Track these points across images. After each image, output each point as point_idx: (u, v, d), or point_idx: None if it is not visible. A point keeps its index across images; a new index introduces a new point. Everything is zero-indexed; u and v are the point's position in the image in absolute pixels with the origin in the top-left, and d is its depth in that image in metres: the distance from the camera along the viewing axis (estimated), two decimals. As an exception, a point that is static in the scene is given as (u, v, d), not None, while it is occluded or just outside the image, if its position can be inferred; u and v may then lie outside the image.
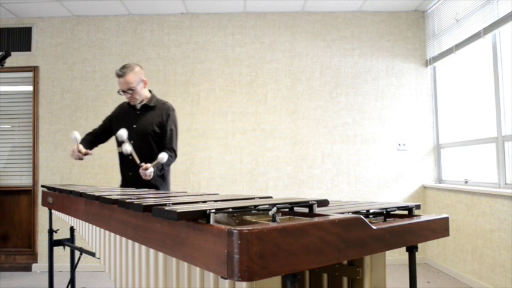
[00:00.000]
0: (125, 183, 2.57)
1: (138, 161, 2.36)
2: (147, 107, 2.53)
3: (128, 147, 2.34)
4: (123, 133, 2.33)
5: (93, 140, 2.62)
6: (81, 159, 2.45)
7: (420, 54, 4.24)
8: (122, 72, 2.38)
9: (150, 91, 2.58)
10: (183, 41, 4.25)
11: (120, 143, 2.46)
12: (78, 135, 2.40)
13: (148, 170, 2.31)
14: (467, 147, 3.66)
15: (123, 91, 2.42)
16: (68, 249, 2.88)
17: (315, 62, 4.24)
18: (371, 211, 1.26)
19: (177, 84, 4.21)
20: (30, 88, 4.23)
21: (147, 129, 2.48)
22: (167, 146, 2.51)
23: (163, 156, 2.30)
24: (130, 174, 2.49)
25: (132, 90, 2.41)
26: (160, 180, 2.52)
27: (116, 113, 2.64)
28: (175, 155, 2.54)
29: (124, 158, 2.49)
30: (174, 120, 2.56)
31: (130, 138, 2.43)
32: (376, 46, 4.25)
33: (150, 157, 2.46)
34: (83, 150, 2.41)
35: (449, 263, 3.66)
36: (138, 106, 2.53)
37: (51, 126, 4.18)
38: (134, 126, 2.49)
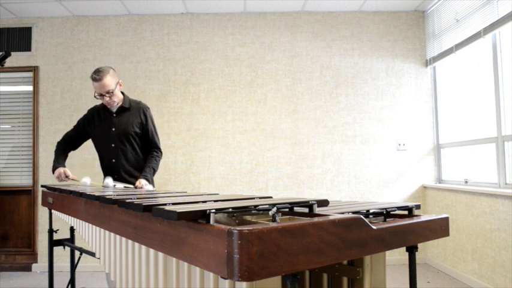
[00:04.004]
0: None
1: (131, 186, 2.39)
2: (123, 109, 2.52)
3: (120, 186, 2.39)
4: (109, 182, 2.35)
5: (67, 150, 2.62)
6: (66, 180, 2.47)
7: (420, 54, 4.24)
8: (99, 76, 2.34)
9: (122, 93, 2.57)
10: (183, 41, 4.25)
11: (103, 161, 2.55)
12: (88, 182, 2.43)
13: (143, 187, 2.34)
14: (467, 147, 3.66)
15: (101, 95, 2.39)
16: (68, 249, 2.88)
17: (315, 62, 4.24)
18: (371, 211, 1.26)
19: (177, 84, 4.21)
20: (30, 88, 4.23)
21: (127, 131, 2.47)
22: (153, 146, 2.56)
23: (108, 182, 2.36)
24: (115, 176, 2.50)
25: (110, 93, 2.39)
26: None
27: (90, 117, 2.59)
28: (161, 152, 2.60)
29: (106, 165, 2.53)
30: (152, 119, 2.59)
31: (111, 141, 2.47)
32: (376, 46, 4.25)
33: (134, 158, 2.50)
34: (70, 175, 2.44)
35: (449, 263, 3.66)
36: (114, 109, 2.51)
37: (51, 126, 4.18)
38: (113, 129, 2.48)
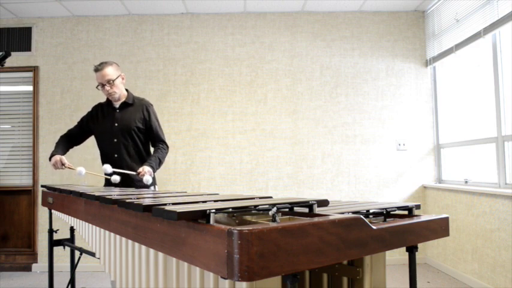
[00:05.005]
0: (111, 182, 2.56)
1: (133, 173, 2.38)
2: (126, 105, 2.54)
3: (116, 178, 2.38)
4: (107, 168, 2.36)
5: (68, 143, 2.62)
6: (62, 169, 2.45)
7: (420, 54, 4.24)
8: (100, 67, 2.41)
9: (127, 90, 2.59)
10: (183, 41, 4.25)
11: (104, 158, 2.52)
12: (83, 172, 2.41)
13: (146, 174, 2.32)
14: (467, 147, 3.66)
15: (102, 85, 2.43)
16: (68, 249, 2.88)
17: (315, 62, 4.24)
18: (371, 211, 1.26)
19: (177, 84, 4.21)
20: (30, 88, 4.23)
21: (130, 126, 2.49)
22: (157, 140, 2.57)
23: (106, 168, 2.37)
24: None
25: (111, 82, 2.42)
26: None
27: (94, 114, 2.61)
28: (167, 146, 2.60)
29: (108, 160, 2.51)
30: (155, 115, 2.61)
31: (113, 136, 2.47)
32: (376, 46, 4.25)
33: (137, 153, 2.50)
34: (67, 163, 2.42)
35: (449, 263, 3.66)
36: (117, 104, 2.53)
37: (51, 126, 4.18)
38: (116, 124, 2.49)
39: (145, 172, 2.31)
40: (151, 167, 2.37)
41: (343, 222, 0.93)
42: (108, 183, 2.47)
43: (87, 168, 2.34)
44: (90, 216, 1.69)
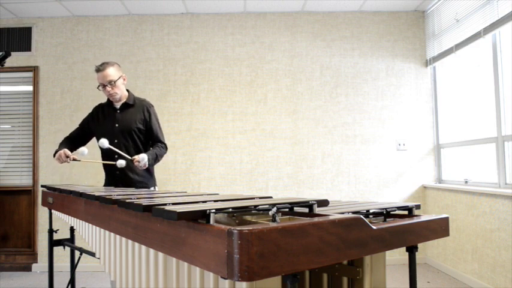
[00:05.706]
0: (110, 182, 2.57)
1: (129, 157, 2.38)
2: (126, 105, 2.54)
3: (122, 162, 2.38)
4: (104, 142, 2.36)
5: (71, 144, 2.61)
6: (68, 162, 2.44)
7: (420, 54, 4.24)
8: (102, 67, 2.41)
9: (127, 90, 2.59)
10: (183, 41, 4.25)
11: (104, 155, 2.51)
12: (86, 151, 2.42)
13: (141, 161, 2.32)
14: (467, 147, 3.66)
15: (104, 86, 2.43)
16: (68, 249, 2.88)
17: (315, 62, 4.24)
18: (371, 211, 1.26)
19: (177, 84, 4.21)
20: (30, 88, 4.23)
21: (130, 127, 2.49)
22: (156, 141, 2.57)
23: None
24: (117, 173, 2.48)
25: (112, 83, 2.42)
26: (148, 175, 2.56)
27: (95, 114, 2.62)
28: (166, 147, 2.61)
29: (108, 159, 2.51)
30: (156, 116, 2.61)
31: (114, 137, 2.47)
32: (376, 46, 4.25)
33: (137, 154, 2.50)
34: (71, 155, 2.41)
35: (449, 263, 3.66)
36: (118, 105, 2.53)
37: (51, 126, 4.18)
38: (116, 125, 2.50)
39: (140, 160, 2.32)
40: (149, 159, 2.38)
41: (343, 222, 0.93)
42: (112, 169, 2.48)
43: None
44: (90, 216, 1.69)
